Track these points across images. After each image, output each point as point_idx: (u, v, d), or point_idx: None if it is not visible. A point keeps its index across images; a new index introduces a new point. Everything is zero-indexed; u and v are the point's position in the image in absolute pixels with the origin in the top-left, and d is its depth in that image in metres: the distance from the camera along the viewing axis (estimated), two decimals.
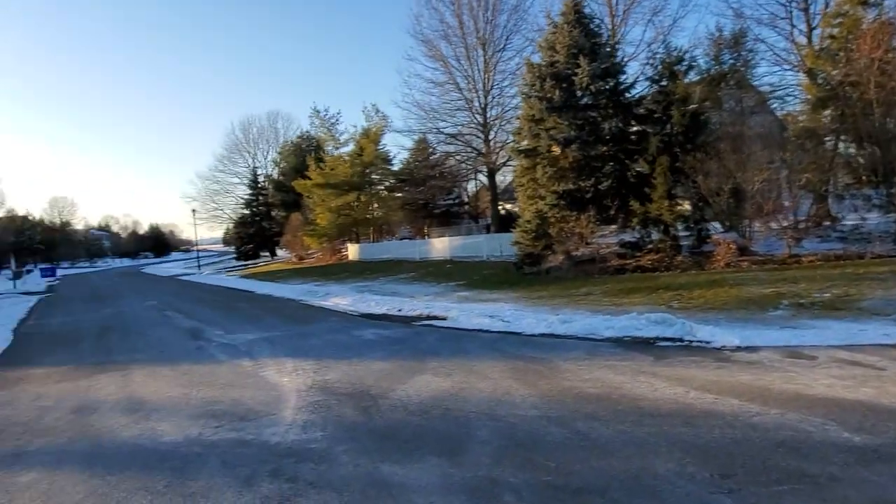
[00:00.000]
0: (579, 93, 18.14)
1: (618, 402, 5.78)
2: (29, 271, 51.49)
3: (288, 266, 40.20)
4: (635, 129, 18.36)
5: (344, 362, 8.72)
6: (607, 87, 18.16)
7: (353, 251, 38.19)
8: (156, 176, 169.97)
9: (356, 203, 38.28)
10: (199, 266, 51.45)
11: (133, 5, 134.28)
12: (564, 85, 18.29)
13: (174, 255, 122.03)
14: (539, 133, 18.45)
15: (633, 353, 7.94)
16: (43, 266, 62.35)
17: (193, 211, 52.63)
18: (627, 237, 18.40)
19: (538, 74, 18.63)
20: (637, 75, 19.24)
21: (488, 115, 32.98)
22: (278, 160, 56.19)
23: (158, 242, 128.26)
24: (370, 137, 38.98)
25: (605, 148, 17.91)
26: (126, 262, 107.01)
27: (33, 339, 14.69)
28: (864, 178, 17.76)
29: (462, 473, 4.37)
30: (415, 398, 6.41)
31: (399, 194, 42.09)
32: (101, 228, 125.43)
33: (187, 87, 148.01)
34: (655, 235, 17.76)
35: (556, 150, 18.31)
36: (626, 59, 20.00)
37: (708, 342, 8.33)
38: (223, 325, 14.11)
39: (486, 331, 10.93)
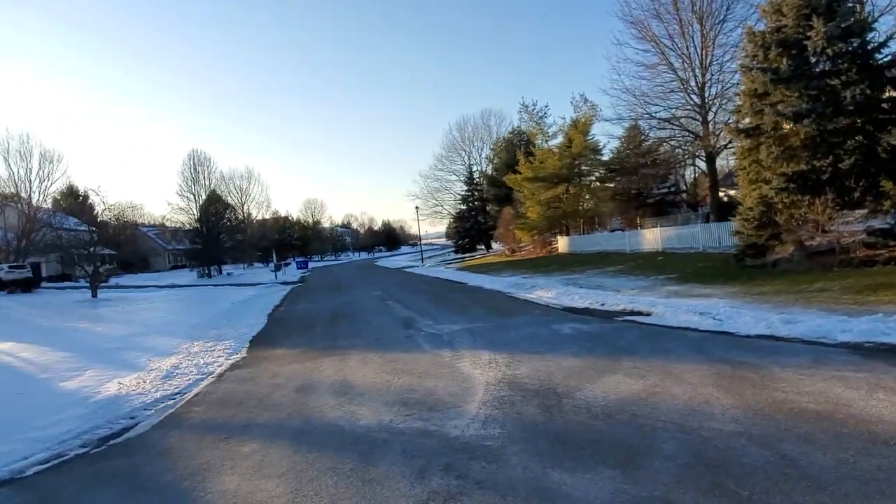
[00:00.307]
0: (812, 59, 15.75)
1: (843, 422, 4.90)
2: (287, 264, 60.04)
3: (500, 259, 41.36)
4: (889, 95, 15.39)
5: (537, 357, 8.77)
6: (849, 48, 15.49)
7: (562, 244, 37.95)
8: (386, 177, 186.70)
9: (565, 195, 37.95)
10: (422, 259, 55.45)
11: (365, 26, 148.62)
12: (794, 51, 16.04)
13: (403, 248, 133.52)
14: (762, 109, 16.45)
15: (873, 364, 6.72)
16: (299, 259, 72.36)
17: (416, 208, 56.84)
18: (877, 223, 15.53)
19: (761, 43, 16.60)
20: (891, 31, 16.07)
21: (706, 95, 30.28)
22: (491, 156, 58.09)
23: (390, 237, 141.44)
24: (578, 128, 38.32)
25: (846, 120, 15.33)
26: (363, 255, 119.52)
27: (281, 323, 17.22)
28: None
29: (636, 491, 4.05)
30: (601, 400, 6.20)
31: (610, 185, 40.76)
32: (343, 226, 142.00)
33: (411, 93, 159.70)
34: None
35: (786, 126, 16.15)
36: (876, 15, 16.76)
37: None
38: (434, 315, 15.04)
39: (693, 329, 10.17)
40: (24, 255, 47.12)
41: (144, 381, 9.97)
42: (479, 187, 56.52)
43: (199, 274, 53.21)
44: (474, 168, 58.20)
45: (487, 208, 55.11)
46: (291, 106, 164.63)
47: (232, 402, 7.99)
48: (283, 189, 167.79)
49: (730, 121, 24.59)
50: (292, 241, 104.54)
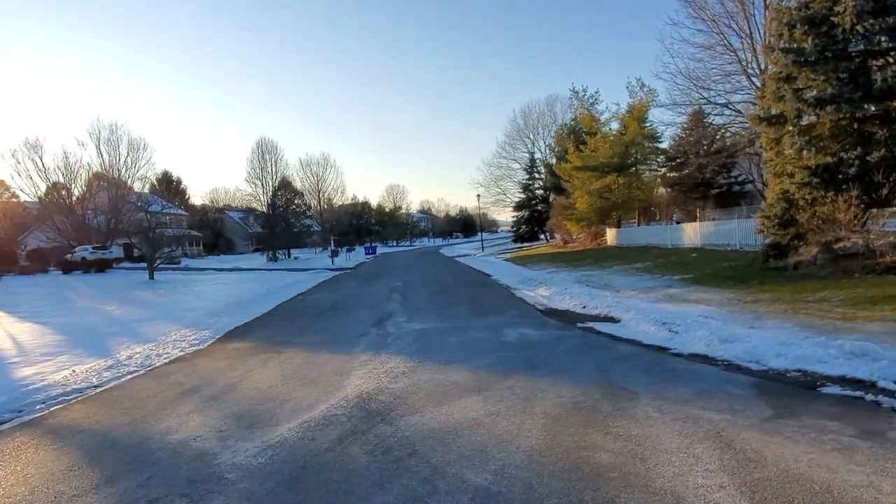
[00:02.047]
0: (840, 37, 13.94)
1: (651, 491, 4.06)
2: (350, 250, 61.36)
3: (551, 250, 40.26)
4: None
5: (438, 368, 8.33)
6: (884, 25, 13.59)
7: (611, 236, 36.34)
8: (460, 164, 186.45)
9: (615, 185, 36.21)
10: (482, 248, 54.99)
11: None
12: (823, 29, 14.29)
13: (482, 235, 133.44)
14: (784, 95, 14.82)
15: (746, 404, 5.73)
16: (366, 245, 73.76)
17: (478, 196, 56.35)
18: None
19: (786, 21, 14.90)
20: None
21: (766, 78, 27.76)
22: (553, 144, 56.46)
23: (466, 224, 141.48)
24: (634, 114, 36.37)
25: (877, 106, 13.54)
26: (438, 241, 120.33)
27: (279, 313, 17.48)
28: None
29: None
30: (416, 431, 5.57)
31: (671, 174, 38.51)
32: (422, 212, 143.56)
33: (482, 79, 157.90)
34: None
35: (810, 113, 14.48)
36: None
37: None
38: (416, 312, 14.72)
39: (638, 342, 9.45)
40: (112, 236, 50.98)
41: (88, 372, 10.34)
42: (539, 176, 55.15)
43: (268, 258, 55.41)
44: (537, 156, 56.86)
45: (550, 198, 53.69)
46: (379, 93, 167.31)
47: (113, 402, 8.00)
48: (367, 175, 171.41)
49: (754, 108, 22.35)
50: (370, 226, 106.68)
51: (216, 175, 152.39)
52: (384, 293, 20.31)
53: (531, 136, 58.53)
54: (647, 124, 37.36)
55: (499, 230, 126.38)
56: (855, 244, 14.35)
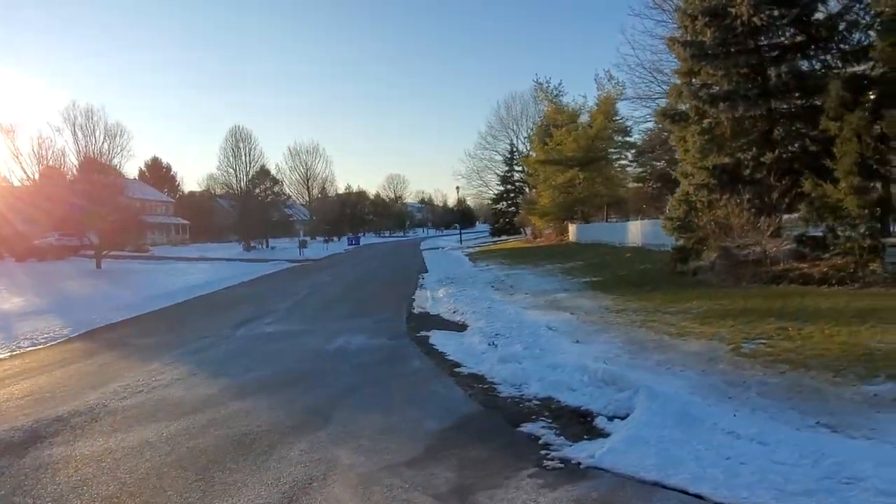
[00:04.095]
0: (740, 29, 13.07)
1: None
2: (328, 240, 60.85)
3: (518, 245, 39.55)
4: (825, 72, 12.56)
5: (193, 384, 7.65)
6: (784, 18, 12.72)
7: (571, 232, 35.51)
8: (461, 155, 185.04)
9: (579, 180, 35.27)
10: (460, 241, 54.22)
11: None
12: (725, 21, 13.42)
13: (479, 226, 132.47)
14: (682, 90, 13.99)
15: (453, 438, 5.10)
16: (350, 236, 73.26)
17: (457, 188, 55.51)
18: (815, 231, 12.82)
19: (690, 12, 14.03)
20: None
21: None
22: (532, 136, 55.29)
23: (464, 216, 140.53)
24: (600, 108, 35.38)
25: (772, 104, 12.71)
26: (432, 232, 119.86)
27: (173, 310, 16.87)
28: None
29: None
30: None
31: (639, 169, 37.50)
32: (422, 202, 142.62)
33: (486, 67, 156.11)
34: (863, 229, 11.90)
35: (707, 110, 13.67)
36: None
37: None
38: (293, 314, 14.11)
39: (443, 357, 8.75)
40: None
41: None
42: (519, 168, 54.10)
43: (244, 247, 54.98)
44: (518, 147, 55.67)
45: (526, 191, 52.76)
46: (380, 80, 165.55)
47: None
48: (368, 165, 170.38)
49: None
50: (364, 216, 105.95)
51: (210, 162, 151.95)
52: (301, 288, 19.88)
53: (514, 128, 57.41)
54: (618, 118, 36.39)
55: (487, 222, 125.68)
56: (758, 250, 13.57)
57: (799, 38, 13.35)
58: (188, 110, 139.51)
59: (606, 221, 37.57)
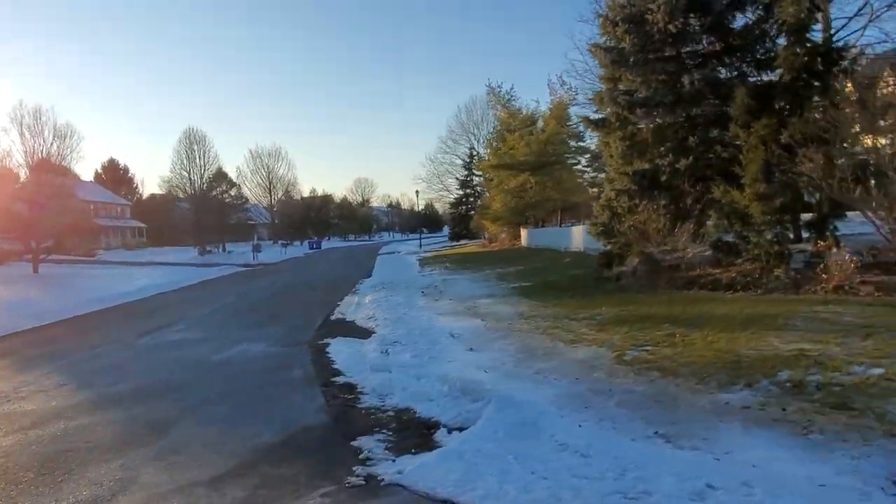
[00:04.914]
0: (657, 36, 13.14)
1: None
2: (286, 244, 59.99)
3: (473, 249, 39.41)
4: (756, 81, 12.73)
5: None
6: (699, 25, 12.84)
7: (523, 237, 35.58)
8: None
9: (530, 185, 35.37)
10: (420, 245, 53.95)
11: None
12: (644, 28, 13.47)
13: (446, 230, 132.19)
14: (604, 97, 14.02)
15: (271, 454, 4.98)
16: (311, 240, 72.46)
17: (417, 192, 55.25)
18: (729, 237, 12.92)
19: (611, 18, 14.07)
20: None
21: None
22: (492, 140, 55.38)
23: (431, 220, 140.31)
24: (553, 113, 35.57)
25: (692, 111, 12.80)
26: (398, 236, 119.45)
27: (105, 315, 16.23)
28: None
29: None
30: None
31: (593, 174, 37.78)
32: (390, 206, 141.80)
33: (457, 71, 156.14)
34: (770, 236, 12.03)
35: (627, 116, 13.71)
36: None
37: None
38: (210, 323, 13.57)
39: (326, 366, 8.51)
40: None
41: None
42: (477, 173, 54.05)
43: (200, 251, 53.79)
44: (475, 152, 55.60)
45: (486, 194, 52.71)
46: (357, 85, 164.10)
47: None
48: (336, 169, 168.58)
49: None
50: (329, 220, 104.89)
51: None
52: (232, 294, 19.46)
53: (474, 132, 57.37)
54: (571, 123, 36.55)
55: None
56: (674, 256, 13.65)
57: (716, 47, 13.46)
58: (148, 111, 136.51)
59: (560, 226, 37.75)
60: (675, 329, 8.58)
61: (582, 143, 37.78)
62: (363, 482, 4.15)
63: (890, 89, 16.92)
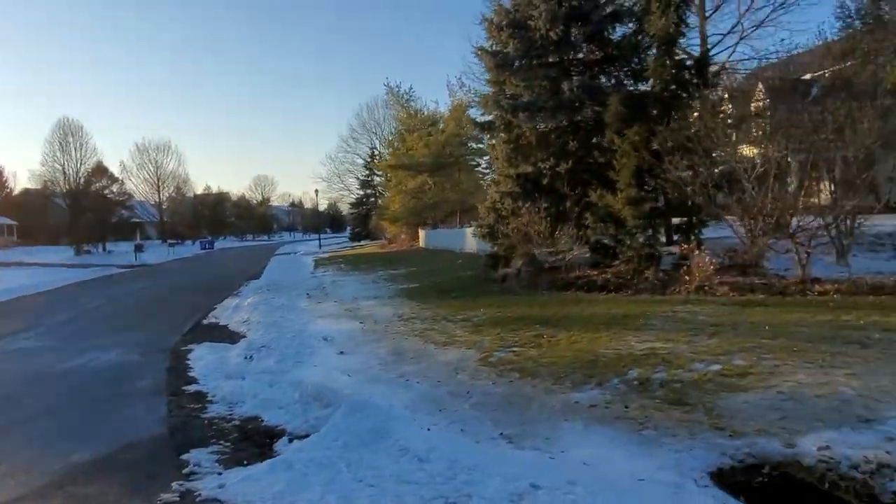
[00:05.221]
0: (539, 42, 13.44)
1: None
2: (174, 244, 56.83)
3: (371, 250, 38.98)
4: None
5: None
6: (580, 34, 13.26)
7: (421, 238, 35.65)
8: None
9: (429, 186, 35.49)
10: (320, 246, 52.65)
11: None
12: (528, 34, 13.71)
13: (319, 234, 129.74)
14: (489, 100, 14.19)
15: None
16: (203, 240, 68.93)
17: (316, 191, 53.98)
18: (607, 239, 13.40)
19: (497, 22, 14.25)
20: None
21: None
22: (394, 140, 55.07)
23: (335, 220, 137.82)
24: (452, 114, 35.83)
25: (574, 117, 13.17)
26: (299, 236, 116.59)
27: None
28: None
29: None
30: None
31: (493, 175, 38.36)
32: (292, 205, 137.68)
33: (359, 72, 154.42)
34: (642, 238, 12.54)
35: (510, 120, 13.92)
36: None
37: None
38: (66, 330, 12.40)
39: (185, 374, 7.90)
40: None
41: None
42: (378, 173, 53.55)
43: (76, 251, 49.65)
44: (377, 151, 55.06)
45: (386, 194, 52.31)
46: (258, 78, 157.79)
47: None
48: (235, 167, 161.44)
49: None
50: (225, 219, 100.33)
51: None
52: (99, 298, 17.97)
53: (377, 131, 56.80)
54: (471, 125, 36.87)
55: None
56: (557, 258, 14.00)
57: (596, 56, 13.95)
58: (26, 101, 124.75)
59: (460, 227, 38.06)
60: (544, 330, 8.71)
61: (481, 145, 38.32)
62: (177, 499, 3.80)
63: (760, 103, 18.43)
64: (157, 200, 77.88)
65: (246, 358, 8.40)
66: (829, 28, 22.48)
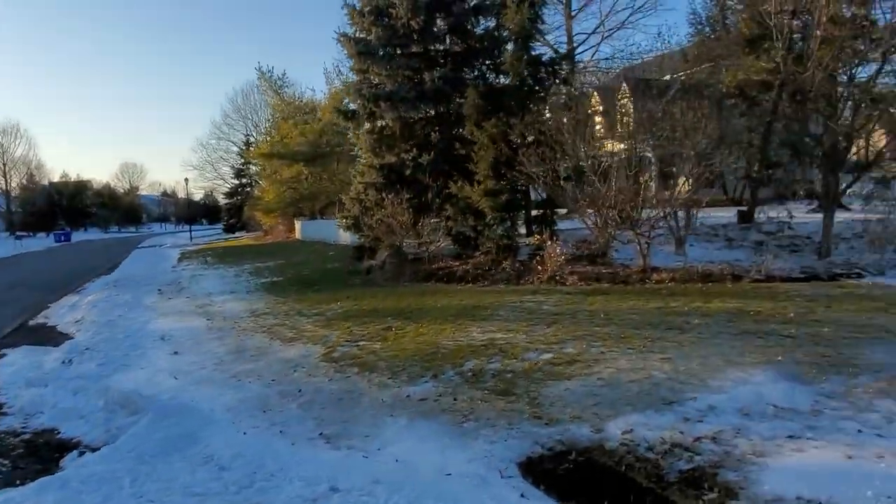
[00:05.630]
0: (402, 31, 13.28)
1: None
2: (20, 237, 51.34)
3: (242, 243, 37.19)
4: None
5: None
6: (444, 24, 13.25)
7: (297, 229, 34.58)
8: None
9: (304, 176, 34.42)
10: (191, 238, 49.50)
11: None
12: (390, 22, 13.50)
13: (190, 226, 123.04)
14: (352, 89, 13.86)
15: None
16: (58, 231, 62.69)
17: (186, 180, 50.66)
18: (468, 231, 13.54)
19: (359, 8, 13.90)
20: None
21: None
22: (270, 128, 52.88)
23: (211, 210, 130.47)
24: (329, 102, 34.85)
25: (434, 107, 13.13)
26: (171, 227, 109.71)
27: None
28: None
29: None
30: None
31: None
32: (164, 195, 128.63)
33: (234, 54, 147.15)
34: (501, 230, 12.75)
35: (373, 110, 13.67)
36: None
37: None
38: None
39: None
40: None
41: None
42: (254, 162, 51.16)
43: None
44: (253, 139, 52.57)
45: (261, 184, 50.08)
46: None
47: None
48: (100, 152, 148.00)
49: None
50: (86, 209, 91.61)
51: None
52: None
53: (252, 118, 54.14)
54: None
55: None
56: (421, 249, 13.97)
57: (459, 48, 14.01)
58: None
59: (336, 218, 37.24)
60: (395, 322, 8.60)
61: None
62: None
63: (625, 100, 19.43)
64: (5, 188, 70.06)
65: (64, 362, 7.55)
66: (674, 34, 24.20)
